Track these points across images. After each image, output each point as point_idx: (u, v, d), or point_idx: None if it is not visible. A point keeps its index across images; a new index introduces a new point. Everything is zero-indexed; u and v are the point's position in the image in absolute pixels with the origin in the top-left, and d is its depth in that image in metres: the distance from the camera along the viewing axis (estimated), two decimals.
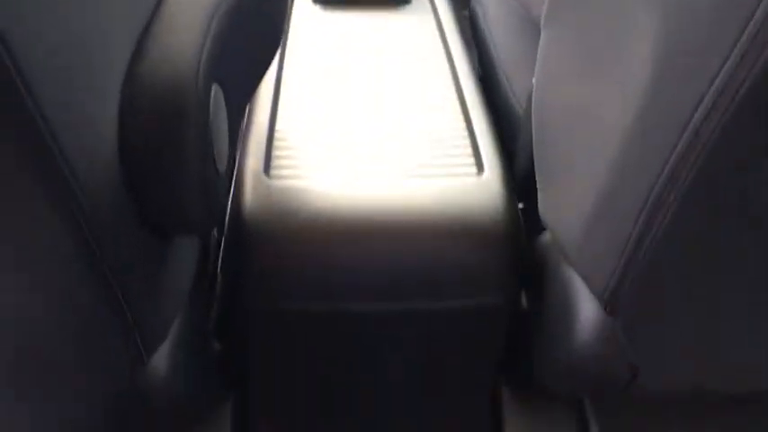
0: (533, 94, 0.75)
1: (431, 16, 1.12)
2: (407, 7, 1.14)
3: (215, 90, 0.54)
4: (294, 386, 0.89)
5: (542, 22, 0.72)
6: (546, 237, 0.76)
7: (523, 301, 0.85)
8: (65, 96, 0.42)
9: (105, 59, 0.48)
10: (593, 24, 0.62)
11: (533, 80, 0.76)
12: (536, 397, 0.93)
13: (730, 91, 0.45)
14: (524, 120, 0.83)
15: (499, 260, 0.78)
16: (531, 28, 1.03)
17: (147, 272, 0.57)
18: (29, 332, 0.51)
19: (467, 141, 0.86)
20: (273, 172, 0.80)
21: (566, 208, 0.68)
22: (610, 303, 0.62)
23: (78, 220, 0.45)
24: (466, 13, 1.19)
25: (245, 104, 0.74)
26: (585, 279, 0.65)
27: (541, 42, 0.72)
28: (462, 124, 0.89)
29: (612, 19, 0.59)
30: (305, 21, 1.09)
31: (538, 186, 0.74)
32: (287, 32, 1.03)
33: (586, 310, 0.66)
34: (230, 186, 0.80)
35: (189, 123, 0.50)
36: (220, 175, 0.58)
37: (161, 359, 0.62)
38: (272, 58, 0.72)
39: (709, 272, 0.59)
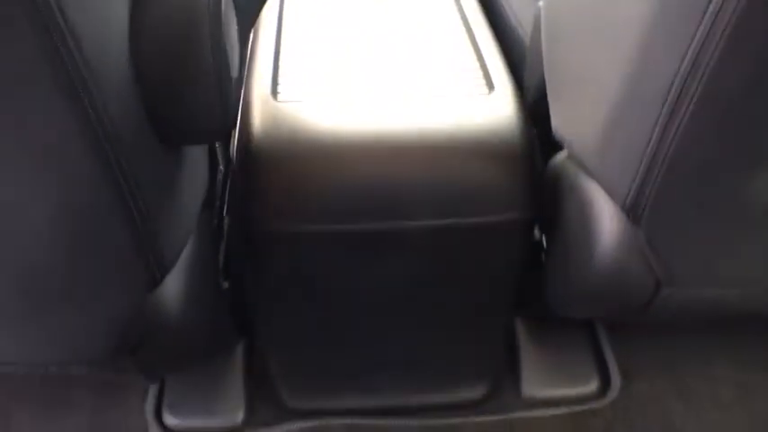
0: (542, 12, 0.74)
1: None
2: None
3: None
4: (305, 317, 0.88)
5: None
6: (560, 157, 0.75)
7: (536, 232, 0.84)
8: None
9: None
10: None
11: (540, 2, 0.75)
12: (550, 327, 0.93)
13: None
14: (531, 45, 0.82)
15: (513, 174, 0.77)
16: None
17: (158, 185, 0.56)
18: (40, 244, 0.50)
19: (475, 63, 0.85)
20: (281, 95, 0.78)
21: (581, 119, 0.67)
22: (633, 210, 0.61)
23: (91, 117, 0.44)
24: None
25: (256, 17, 0.73)
26: (606, 187, 0.64)
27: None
28: (470, 47, 0.88)
29: None
30: None
31: (550, 104, 0.73)
32: None
33: (607, 222, 0.66)
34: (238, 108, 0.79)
35: (204, 20, 0.49)
36: (233, 81, 0.56)
37: (172, 285, 0.61)
38: None
39: (732, 171, 0.58)
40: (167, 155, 0.56)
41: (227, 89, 0.54)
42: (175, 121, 0.53)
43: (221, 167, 0.79)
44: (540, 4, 0.75)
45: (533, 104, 0.80)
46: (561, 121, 0.71)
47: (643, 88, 0.56)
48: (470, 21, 0.93)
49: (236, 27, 0.58)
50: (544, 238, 0.83)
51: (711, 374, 0.99)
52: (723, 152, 0.56)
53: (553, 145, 0.75)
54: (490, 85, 0.81)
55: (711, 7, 0.47)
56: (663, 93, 0.53)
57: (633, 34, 0.55)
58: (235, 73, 0.57)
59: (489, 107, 0.78)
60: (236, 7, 0.58)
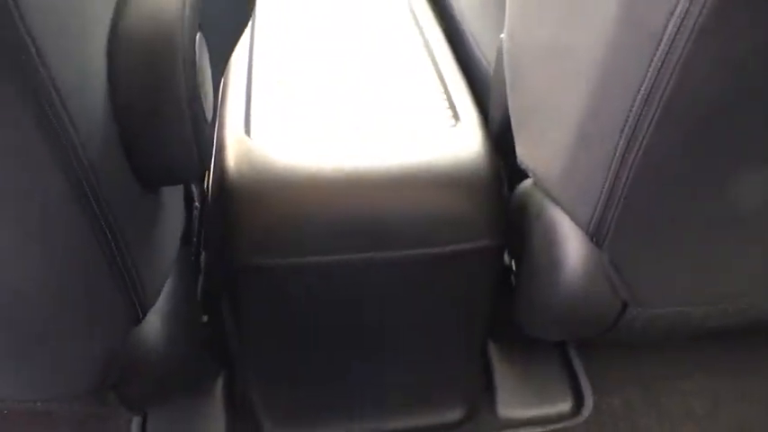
0: (505, 44, 0.77)
1: None
2: None
3: (199, 37, 0.55)
4: (283, 347, 0.89)
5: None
6: (526, 185, 0.78)
7: (505, 257, 0.86)
8: (60, 40, 0.43)
9: (94, 7, 0.48)
10: None
11: (503, 34, 0.77)
12: (523, 348, 0.95)
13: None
14: (495, 76, 0.84)
15: (481, 203, 0.79)
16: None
17: (138, 224, 0.57)
18: (23, 285, 0.51)
19: (442, 95, 0.87)
20: (253, 133, 0.80)
21: (544, 148, 0.69)
22: (596, 234, 0.63)
23: (70, 160, 0.45)
24: None
25: (228, 57, 0.75)
26: (570, 213, 0.66)
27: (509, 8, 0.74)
28: (436, 80, 0.90)
29: None
30: None
31: (514, 133, 0.75)
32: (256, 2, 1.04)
33: (572, 247, 0.68)
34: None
35: (178, 63, 0.51)
36: (207, 122, 0.58)
37: (154, 320, 0.62)
38: (249, 12, 0.72)
39: (694, 190, 0.60)
40: (145, 194, 0.58)
41: (203, 132, 0.56)
42: (152, 165, 0.54)
43: (197, 203, 0.81)
44: (503, 36, 0.78)
45: (499, 134, 0.82)
46: (525, 150, 0.74)
47: (602, 117, 0.58)
48: (436, 54, 0.95)
49: (210, 69, 0.60)
50: (514, 263, 0.85)
51: (683, 387, 1.01)
52: (682, 176, 0.58)
53: (519, 173, 0.77)
54: (456, 117, 0.83)
55: (666, 35, 0.48)
56: (621, 120, 0.55)
57: (591, 63, 0.57)
58: (210, 114, 0.59)
59: (456, 139, 0.81)
60: (209, 48, 0.60)
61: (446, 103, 0.86)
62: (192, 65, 0.52)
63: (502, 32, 0.78)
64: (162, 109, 0.52)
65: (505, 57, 0.77)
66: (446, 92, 0.88)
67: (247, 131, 0.80)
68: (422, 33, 1.00)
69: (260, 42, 0.96)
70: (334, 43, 0.96)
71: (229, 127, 0.81)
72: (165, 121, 0.52)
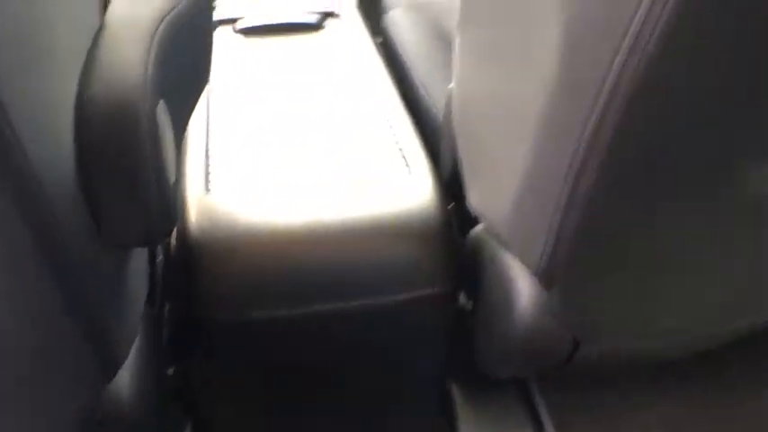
0: (453, 95, 0.80)
1: (346, 37, 1.17)
2: (323, 32, 1.19)
3: (161, 104, 0.57)
4: (247, 397, 0.91)
5: (457, 27, 0.76)
6: (477, 229, 0.80)
7: (462, 297, 0.88)
8: (27, 107, 0.44)
9: (59, 73, 0.50)
10: (504, 22, 0.67)
11: (451, 85, 0.80)
12: (484, 388, 0.96)
13: (637, 50, 0.48)
14: (444, 123, 0.87)
15: (433, 251, 0.82)
16: (443, 42, 1.09)
17: (107, 282, 0.58)
18: None
19: (393, 145, 0.90)
20: (212, 188, 0.82)
21: (493, 193, 0.72)
22: (545, 276, 0.65)
23: (40, 224, 0.46)
24: (380, 39, 1.24)
25: (187, 122, 0.77)
26: (520, 256, 0.69)
27: (457, 47, 0.77)
28: (387, 129, 0.93)
29: (521, 14, 0.63)
30: (228, 49, 1.13)
31: (465, 180, 0.78)
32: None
33: (523, 290, 0.70)
34: None
35: (142, 130, 0.53)
36: (171, 186, 0.60)
37: (123, 377, 0.63)
38: (206, 76, 0.74)
39: (637, 231, 0.62)
40: (112, 255, 0.59)
41: (168, 196, 0.58)
42: (119, 229, 0.56)
43: (160, 257, 0.83)
44: (452, 86, 0.81)
45: (450, 180, 0.85)
46: (475, 196, 0.76)
47: (546, 164, 0.60)
48: (387, 102, 0.98)
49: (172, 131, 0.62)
50: (471, 305, 0.87)
51: (645, 419, 1.02)
52: (626, 218, 0.61)
53: (472, 218, 0.79)
54: (408, 166, 0.86)
55: (608, 84, 0.50)
56: (565, 166, 0.57)
57: (535, 113, 0.59)
58: (173, 178, 0.61)
59: (408, 188, 0.84)
60: (170, 110, 0.62)
61: (398, 153, 0.88)
62: (156, 131, 0.54)
63: (450, 81, 0.81)
64: (127, 175, 0.53)
65: (454, 105, 0.80)
66: (398, 141, 0.91)
67: (207, 188, 0.83)
68: (373, 82, 1.03)
69: (216, 101, 0.98)
70: (287, 96, 0.99)
71: (189, 184, 0.83)
72: (131, 187, 0.54)
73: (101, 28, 0.56)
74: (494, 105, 0.70)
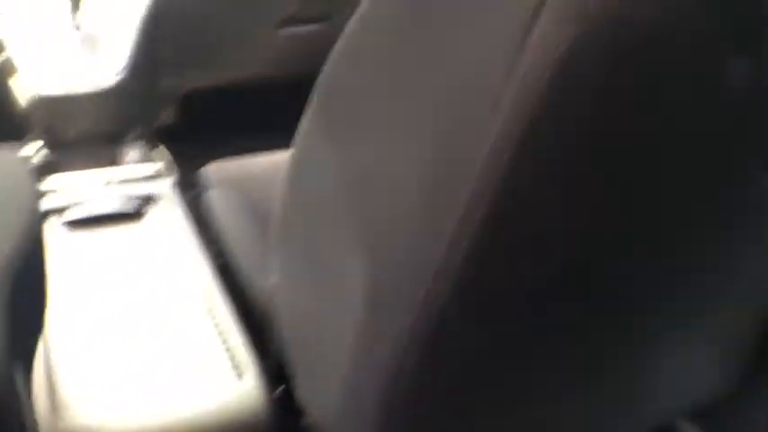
0: (276, 291, 0.83)
1: (166, 225, 1.19)
2: (144, 220, 1.21)
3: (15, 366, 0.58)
4: None
5: (273, 242, 0.81)
6: (305, 422, 0.83)
7: None
8: None
9: None
10: (316, 244, 0.73)
11: (273, 280, 0.84)
12: None
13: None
14: (269, 314, 0.88)
15: None
16: (265, 224, 1.13)
17: None
18: None
19: (221, 346, 0.92)
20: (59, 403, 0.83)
21: (318, 388, 0.74)
22: None
23: None
24: (200, 221, 1.27)
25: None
26: None
27: (275, 260, 0.82)
28: (214, 333, 0.95)
29: (328, 243, 0.69)
30: (55, 244, 1.12)
31: (292, 371, 0.80)
32: None
33: None
34: None
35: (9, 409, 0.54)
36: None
37: None
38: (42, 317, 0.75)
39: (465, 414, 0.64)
40: None
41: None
42: None
43: None
44: (274, 281, 0.84)
45: (278, 373, 0.87)
46: (302, 389, 0.79)
47: (368, 358, 0.63)
48: (210, 296, 1.01)
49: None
50: None
51: None
52: (453, 401, 0.63)
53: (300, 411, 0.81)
54: (237, 368, 0.89)
55: (408, 321, 0.55)
56: (389, 357, 0.59)
57: (354, 306, 0.62)
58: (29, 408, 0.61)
59: (234, 390, 0.86)
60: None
61: (226, 355, 0.91)
62: (16, 403, 0.55)
63: (272, 272, 0.84)
64: None
65: (277, 301, 0.83)
66: (226, 341, 0.93)
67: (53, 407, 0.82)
68: (195, 274, 1.06)
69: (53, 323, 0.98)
70: (113, 300, 1.00)
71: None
72: None
73: None
74: (315, 296, 0.74)
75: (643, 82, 0.48)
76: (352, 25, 0.68)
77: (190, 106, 1.77)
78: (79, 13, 1.56)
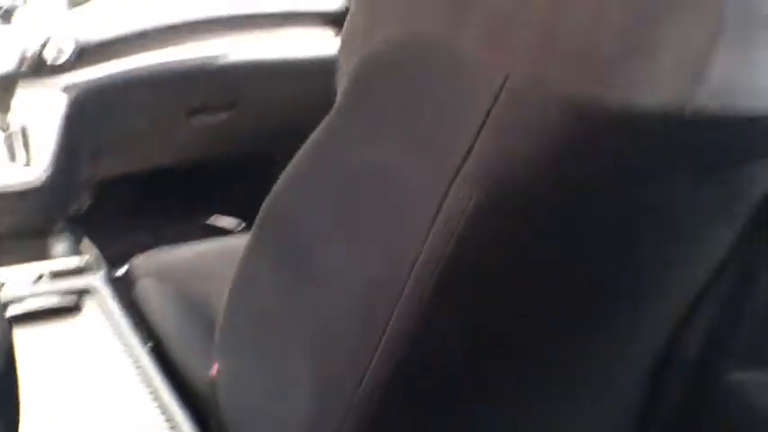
0: (217, 383, 0.91)
1: (105, 319, 1.24)
2: (82, 313, 1.27)
3: None
4: None
5: (216, 349, 0.90)
6: None
7: None
8: None
9: None
10: (262, 343, 0.81)
11: (213, 372, 0.92)
12: None
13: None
14: (210, 405, 0.96)
15: None
16: (198, 313, 1.22)
17: None
18: None
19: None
20: None
21: None
22: None
23: None
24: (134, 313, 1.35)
25: None
26: None
27: (220, 365, 0.90)
28: (160, 416, 1.01)
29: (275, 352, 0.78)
30: None
31: None
32: None
33: None
34: None
35: None
36: None
37: None
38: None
39: None
40: None
41: None
42: None
43: None
44: (214, 373, 0.93)
45: None
46: None
47: None
48: (152, 389, 1.06)
49: None
50: None
51: None
52: None
53: None
54: None
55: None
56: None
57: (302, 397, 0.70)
58: None
59: None
60: None
61: None
62: None
63: (211, 359, 0.92)
64: None
65: (219, 393, 0.91)
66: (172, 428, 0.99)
67: None
68: (136, 369, 1.10)
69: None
70: (52, 397, 1.04)
71: None
72: None
73: None
74: (257, 406, 0.82)
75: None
76: (300, 152, 0.74)
77: (103, 194, 1.86)
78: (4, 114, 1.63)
